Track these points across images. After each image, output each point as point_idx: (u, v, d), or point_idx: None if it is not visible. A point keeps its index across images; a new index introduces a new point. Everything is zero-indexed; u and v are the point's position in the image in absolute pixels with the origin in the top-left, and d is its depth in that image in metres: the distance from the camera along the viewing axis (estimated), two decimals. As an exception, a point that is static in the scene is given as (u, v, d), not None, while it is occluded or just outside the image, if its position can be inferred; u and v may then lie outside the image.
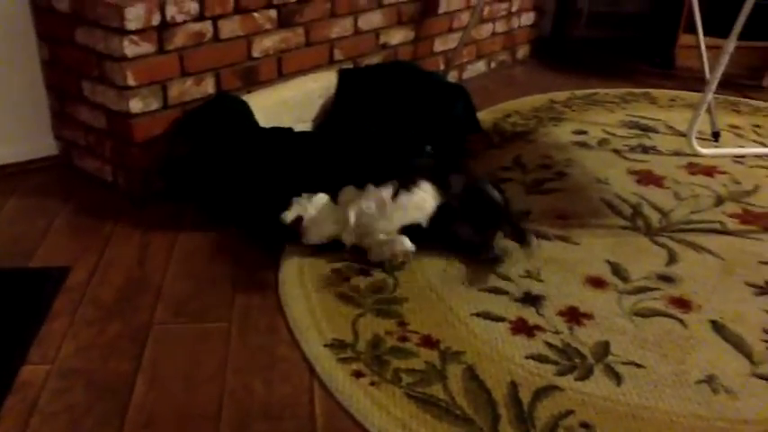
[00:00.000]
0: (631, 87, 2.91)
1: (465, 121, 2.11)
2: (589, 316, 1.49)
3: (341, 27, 2.26)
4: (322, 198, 1.68)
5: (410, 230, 1.64)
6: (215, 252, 1.69)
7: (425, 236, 1.65)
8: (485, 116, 2.50)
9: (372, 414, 1.22)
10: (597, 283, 1.60)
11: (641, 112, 2.65)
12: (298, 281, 1.57)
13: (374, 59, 2.43)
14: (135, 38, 1.72)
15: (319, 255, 1.66)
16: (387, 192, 1.65)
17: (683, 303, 1.54)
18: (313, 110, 2.14)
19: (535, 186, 2.03)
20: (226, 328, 1.43)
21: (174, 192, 1.90)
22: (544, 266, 1.65)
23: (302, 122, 2.09)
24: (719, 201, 1.99)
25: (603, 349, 1.39)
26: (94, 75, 1.83)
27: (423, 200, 1.65)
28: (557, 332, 1.43)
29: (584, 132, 2.44)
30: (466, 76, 2.92)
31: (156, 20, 1.75)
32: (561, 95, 2.79)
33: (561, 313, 1.49)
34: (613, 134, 2.43)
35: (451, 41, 2.75)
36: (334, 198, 1.69)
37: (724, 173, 2.16)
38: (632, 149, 2.31)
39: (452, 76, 2.81)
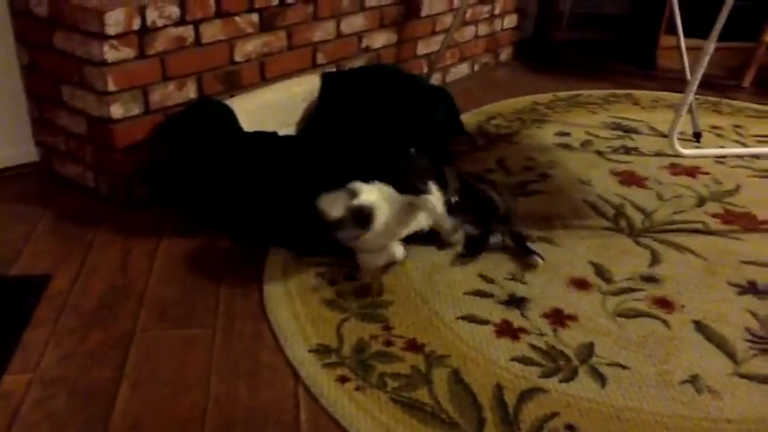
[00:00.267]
0: (614, 89, 2.93)
1: (448, 124, 2.11)
2: (573, 317, 1.49)
3: (323, 30, 2.26)
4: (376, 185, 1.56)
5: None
6: (198, 257, 1.68)
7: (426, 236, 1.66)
8: (468, 118, 2.50)
9: (358, 419, 1.22)
10: (581, 284, 1.61)
11: (624, 113, 2.66)
12: (282, 286, 1.57)
13: (357, 63, 2.43)
14: (115, 42, 1.71)
15: (304, 260, 1.66)
16: (406, 197, 1.58)
17: (666, 304, 1.55)
18: (297, 114, 2.14)
19: (519, 188, 2.04)
20: (210, 334, 1.42)
21: (157, 197, 1.89)
22: (528, 269, 1.66)
23: (286, 126, 2.08)
24: (701, 201, 2.00)
25: (588, 351, 1.40)
26: (74, 80, 1.81)
27: (434, 205, 1.63)
28: (541, 334, 1.44)
29: (567, 134, 2.45)
30: (449, 78, 2.92)
31: (136, 24, 1.74)
32: (544, 97, 2.80)
33: (545, 315, 1.50)
34: (596, 135, 2.44)
35: (434, 44, 2.75)
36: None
37: (706, 173, 2.18)
38: (615, 151, 2.32)
39: (435, 79, 2.81)
